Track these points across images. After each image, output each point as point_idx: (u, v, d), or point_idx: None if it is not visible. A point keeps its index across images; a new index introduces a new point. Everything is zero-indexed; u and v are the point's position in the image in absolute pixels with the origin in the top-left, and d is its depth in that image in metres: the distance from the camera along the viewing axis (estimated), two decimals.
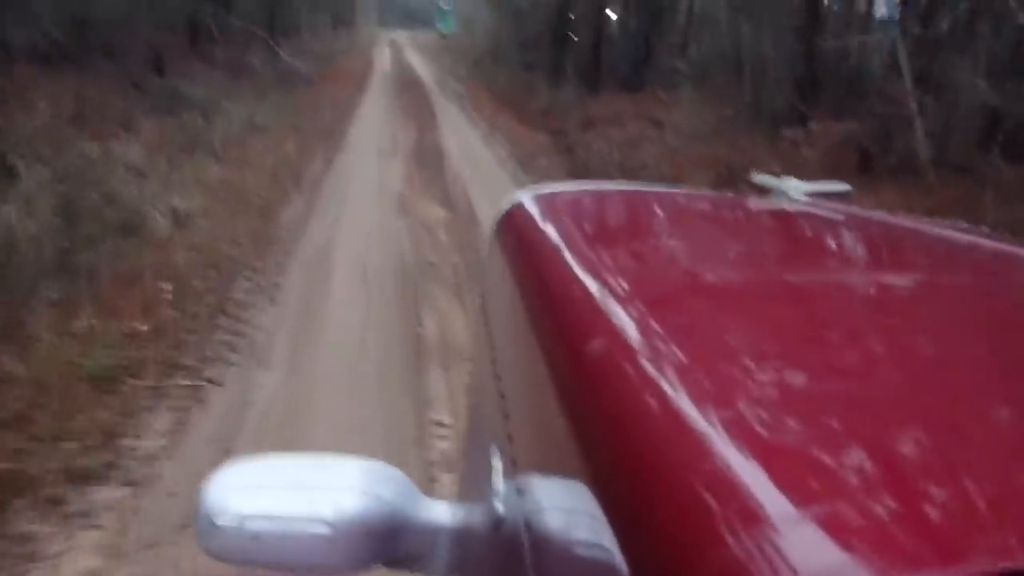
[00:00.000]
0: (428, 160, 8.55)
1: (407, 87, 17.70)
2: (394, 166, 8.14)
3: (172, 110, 10.91)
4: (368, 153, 8.83)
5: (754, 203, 0.96)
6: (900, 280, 0.62)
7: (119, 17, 12.36)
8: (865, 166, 7.19)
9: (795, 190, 1.01)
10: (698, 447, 0.31)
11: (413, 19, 64.69)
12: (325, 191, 6.85)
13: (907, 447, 0.31)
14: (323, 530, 0.59)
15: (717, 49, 14.41)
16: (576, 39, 17.78)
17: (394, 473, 0.64)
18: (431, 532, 0.64)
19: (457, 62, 27.57)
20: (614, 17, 16.85)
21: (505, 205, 0.82)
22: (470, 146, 9.73)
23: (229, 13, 18.71)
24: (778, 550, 0.24)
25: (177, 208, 5.87)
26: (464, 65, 26.24)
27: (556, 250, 0.64)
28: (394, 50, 34.58)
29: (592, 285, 0.52)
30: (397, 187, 7.19)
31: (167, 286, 4.27)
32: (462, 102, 15.55)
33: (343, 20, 37.46)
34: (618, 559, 0.29)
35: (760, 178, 1.15)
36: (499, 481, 0.51)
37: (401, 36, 48.05)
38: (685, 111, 11.94)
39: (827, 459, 0.29)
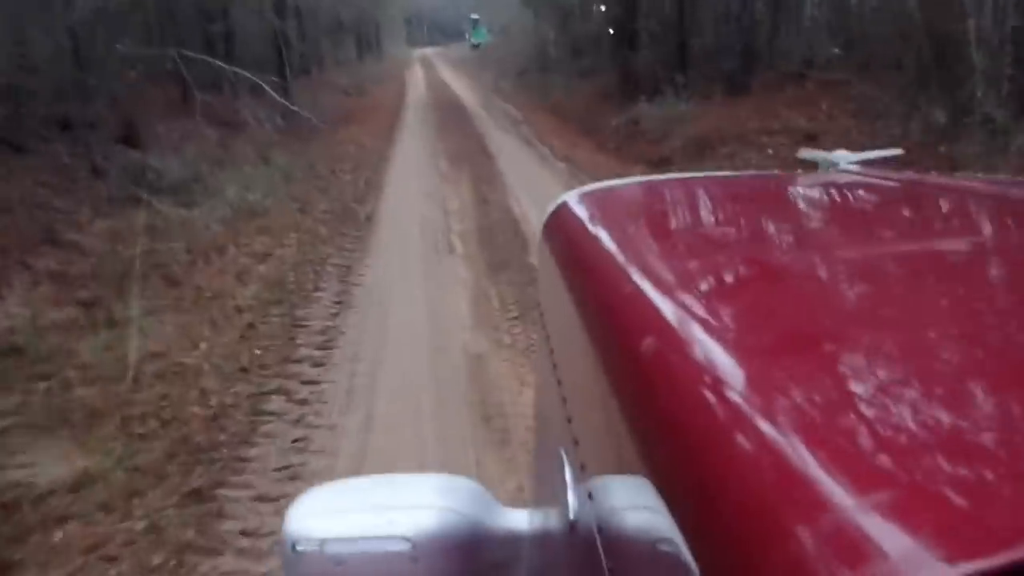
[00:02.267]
0: (505, 254, 5.32)
1: (449, 117, 14.57)
2: (455, 281, 4.91)
3: (138, 197, 7.99)
4: (408, 253, 5.63)
5: (804, 179, 0.91)
6: (965, 244, 0.57)
7: (72, 80, 9.45)
8: None
9: (844, 160, 0.94)
10: (760, 440, 0.30)
11: (442, 34, 62.24)
12: (336, 368, 3.67)
13: (974, 430, 0.29)
14: (405, 548, 0.59)
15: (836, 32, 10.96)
16: (648, 33, 14.49)
17: (469, 485, 0.65)
18: (510, 540, 0.64)
19: (499, 76, 24.48)
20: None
21: (551, 206, 0.80)
22: None
23: (229, 57, 15.90)
24: (844, 542, 0.24)
25: (19, 486, 2.79)
26: (507, 79, 23.14)
27: (604, 248, 0.63)
28: (427, 70, 31.64)
29: (642, 280, 0.51)
30: (467, 340, 3.95)
31: None
32: (519, 130, 12.34)
33: (370, 45, 34.80)
34: (687, 556, 0.29)
35: (806, 153, 1.06)
36: (569, 485, 0.50)
37: (432, 53, 45.38)
38: (849, 118, 8.59)
39: (893, 446, 0.28)
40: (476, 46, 40.21)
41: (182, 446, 3.01)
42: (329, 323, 4.24)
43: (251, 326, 4.21)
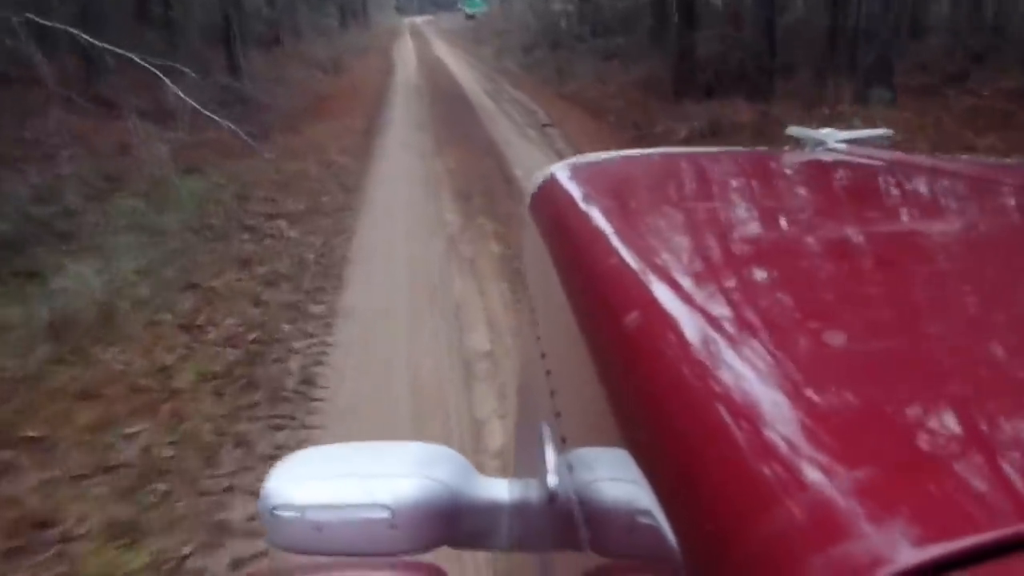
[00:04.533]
0: None
1: (448, 112, 11.12)
2: None
3: None
4: None
5: (791, 157, 0.91)
6: (952, 225, 0.58)
7: None
8: None
9: (832, 140, 0.93)
10: (741, 416, 0.30)
11: (432, 3, 58.44)
12: None
13: (954, 414, 0.30)
14: (384, 515, 0.59)
15: None
16: (710, 8, 11.02)
17: (450, 454, 0.64)
18: (490, 510, 0.64)
19: (501, 53, 20.97)
20: None
21: (538, 178, 0.80)
22: None
23: (168, 24, 12.36)
24: (820, 519, 0.24)
25: None
26: (512, 57, 19.61)
27: (590, 221, 0.63)
28: (418, 43, 27.97)
29: (628, 255, 0.51)
30: None
31: None
32: (548, 137, 8.94)
33: (355, 13, 31.06)
34: (666, 528, 0.29)
35: (794, 130, 1.01)
36: (550, 456, 0.51)
37: (423, 23, 41.63)
38: None
39: (873, 427, 0.29)
40: (471, 16, 36.66)
41: None
42: None
43: None
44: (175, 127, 6.38)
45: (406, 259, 4.67)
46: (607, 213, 0.64)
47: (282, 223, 5.55)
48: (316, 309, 3.91)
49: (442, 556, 0.66)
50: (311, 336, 3.59)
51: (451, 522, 0.61)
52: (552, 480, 0.49)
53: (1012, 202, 0.64)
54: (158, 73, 5.18)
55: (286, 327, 3.68)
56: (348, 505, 0.59)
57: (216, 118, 5.47)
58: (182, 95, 5.27)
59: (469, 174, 6.86)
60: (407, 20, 43.38)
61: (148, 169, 6.36)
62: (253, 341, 3.55)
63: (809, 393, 0.31)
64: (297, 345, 3.50)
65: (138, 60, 5.16)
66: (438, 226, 5.32)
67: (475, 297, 3.99)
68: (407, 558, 0.63)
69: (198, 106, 5.36)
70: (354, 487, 0.60)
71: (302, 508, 0.59)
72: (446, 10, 49.54)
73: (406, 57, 22.20)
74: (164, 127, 6.72)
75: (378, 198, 6.19)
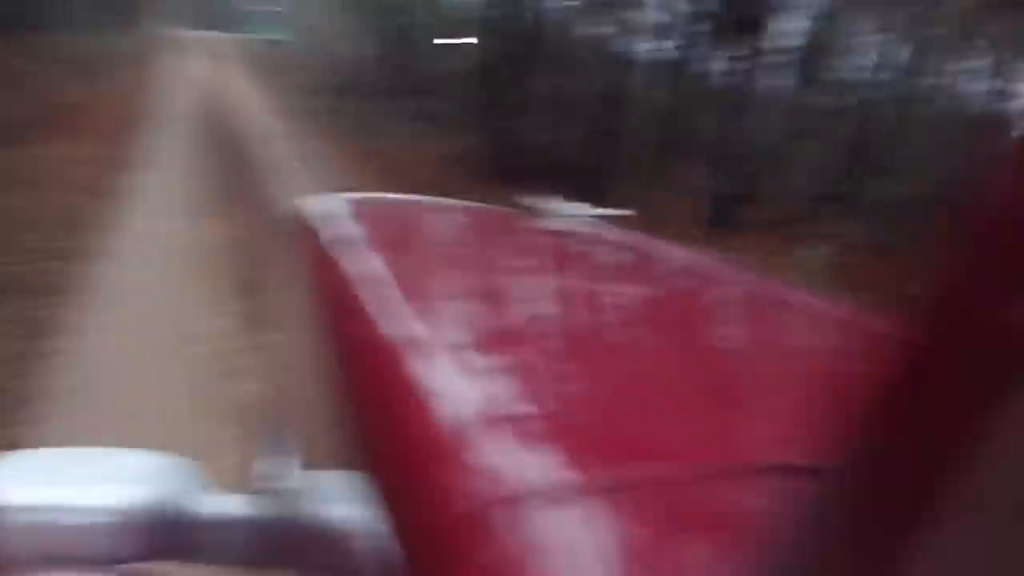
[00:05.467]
0: None
1: (228, 155, 9.16)
2: None
3: None
4: None
5: (531, 222, 1.05)
6: (619, 288, 0.76)
7: None
8: None
9: (573, 211, 1.06)
10: (448, 431, 0.38)
11: (223, 18, 54.53)
12: None
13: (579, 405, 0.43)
14: (103, 520, 0.55)
15: None
16: (548, 91, 10.03)
17: (184, 464, 0.62)
18: (221, 524, 0.61)
19: (298, 92, 18.98)
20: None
21: (300, 209, 0.86)
22: None
23: None
24: (480, 486, 0.33)
25: None
26: (311, 99, 17.78)
27: (338, 254, 0.72)
28: (205, 61, 25.09)
29: (377, 292, 0.58)
30: None
31: None
32: None
33: (125, 16, 27.46)
34: (391, 538, 0.34)
35: (532, 201, 1.14)
36: (290, 472, 0.55)
37: (213, 40, 38.28)
38: None
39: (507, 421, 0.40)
40: (271, 42, 34.21)
41: None
42: None
43: None
44: None
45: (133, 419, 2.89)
46: (356, 247, 0.73)
47: None
48: None
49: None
50: None
51: (179, 534, 0.57)
52: (289, 498, 0.51)
53: (692, 282, 0.83)
54: None
55: None
56: (67, 508, 0.54)
57: None
58: None
59: (244, 251, 5.14)
60: (194, 33, 39.76)
61: None
62: None
63: (497, 407, 0.41)
64: None
65: None
66: (198, 341, 3.58)
67: None
68: (128, 567, 0.60)
69: None
70: (72, 489, 0.54)
71: (15, 510, 0.53)
72: (239, 29, 46.31)
73: (186, 76, 19.59)
74: None
75: (105, 278, 4.29)
